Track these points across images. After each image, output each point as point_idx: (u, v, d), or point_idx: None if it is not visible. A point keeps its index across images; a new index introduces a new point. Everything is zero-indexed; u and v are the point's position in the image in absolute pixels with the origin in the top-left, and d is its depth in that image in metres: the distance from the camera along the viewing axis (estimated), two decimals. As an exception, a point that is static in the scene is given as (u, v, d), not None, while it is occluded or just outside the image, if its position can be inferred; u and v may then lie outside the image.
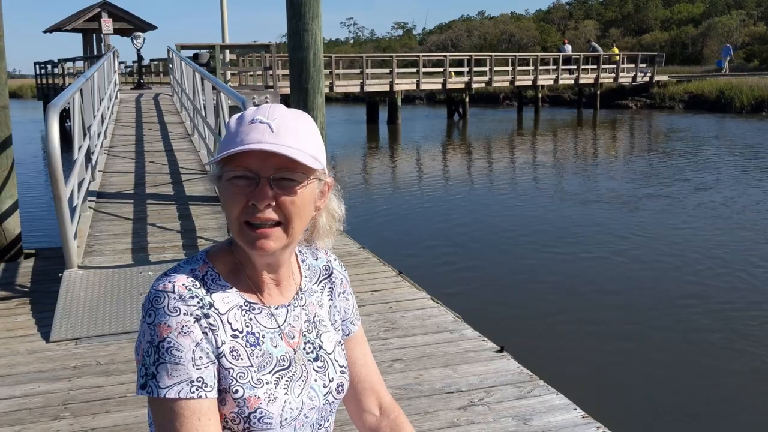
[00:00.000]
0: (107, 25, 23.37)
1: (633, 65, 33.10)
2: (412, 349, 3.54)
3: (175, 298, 1.07)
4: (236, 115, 1.12)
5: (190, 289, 1.08)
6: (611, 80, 32.49)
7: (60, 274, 4.62)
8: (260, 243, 1.08)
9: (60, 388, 3.16)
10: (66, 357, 3.51)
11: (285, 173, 1.07)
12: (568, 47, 33.69)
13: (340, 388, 1.24)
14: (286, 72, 14.70)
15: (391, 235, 9.12)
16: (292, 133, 1.08)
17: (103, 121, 9.69)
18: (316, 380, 1.20)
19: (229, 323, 1.11)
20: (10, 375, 3.31)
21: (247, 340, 1.12)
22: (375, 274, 4.85)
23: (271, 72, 16.41)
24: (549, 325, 5.86)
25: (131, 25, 24.92)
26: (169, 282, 1.09)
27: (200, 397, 1.05)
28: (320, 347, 1.23)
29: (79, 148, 5.99)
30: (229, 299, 1.12)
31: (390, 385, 3.13)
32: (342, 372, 1.25)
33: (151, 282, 3.95)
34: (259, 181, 1.06)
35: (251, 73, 20.66)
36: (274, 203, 1.07)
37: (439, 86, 27.99)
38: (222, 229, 5.74)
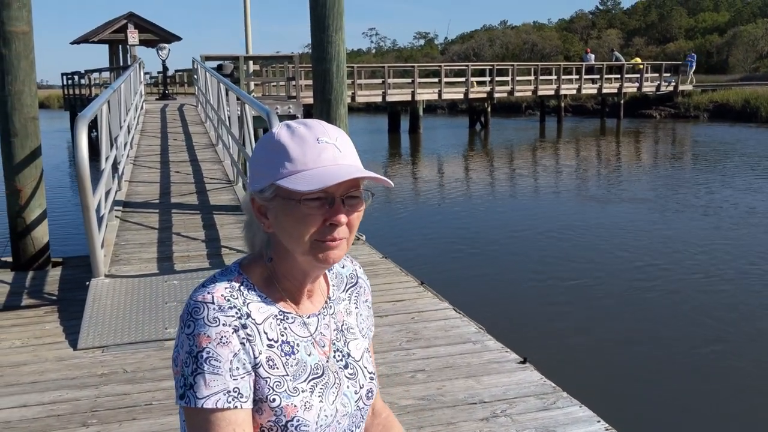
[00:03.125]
0: (133, 36, 23.71)
1: (657, 74, 32.85)
2: (435, 359, 3.55)
3: (214, 309, 1.09)
4: (285, 130, 1.13)
5: (228, 300, 1.11)
6: (635, 89, 32.28)
7: (87, 283, 4.69)
8: (331, 254, 1.11)
9: (87, 395, 3.21)
10: (93, 364, 3.56)
11: (354, 191, 1.12)
12: (591, 56, 33.57)
13: (370, 394, 1.26)
14: (309, 82, 14.79)
15: (413, 244, 9.13)
16: (352, 151, 1.13)
17: (129, 132, 9.83)
18: (348, 387, 1.22)
19: (265, 333, 1.13)
20: (39, 382, 3.37)
21: (282, 350, 1.14)
22: (397, 284, 4.86)
23: (294, 82, 16.54)
24: (572, 337, 5.83)
25: (156, 37, 25.27)
26: (208, 293, 1.11)
27: (236, 407, 1.07)
28: (348, 355, 1.25)
29: (106, 159, 6.08)
30: (264, 309, 1.15)
31: (412, 395, 3.14)
32: (371, 378, 1.27)
33: (176, 291, 4.00)
34: (334, 201, 1.09)
35: (274, 83, 20.84)
36: (347, 220, 1.12)
37: (461, 96, 28.00)
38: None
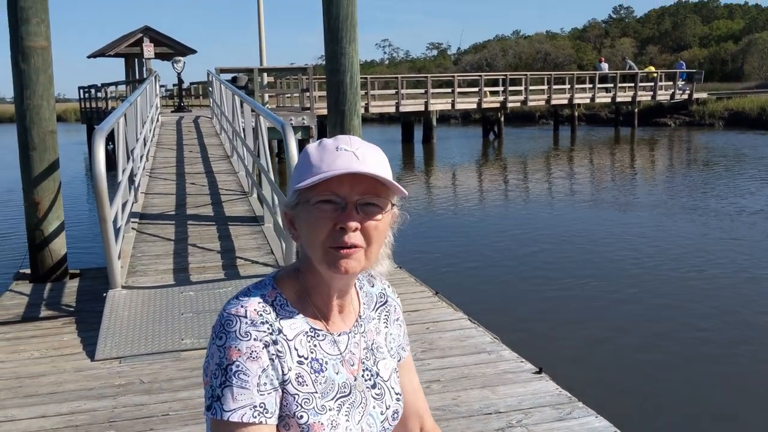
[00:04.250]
0: (149, 50, 23.94)
1: (671, 83, 32.72)
2: (450, 370, 3.55)
3: (246, 323, 1.10)
4: (315, 143, 1.16)
5: (261, 315, 1.12)
6: (649, 98, 32.16)
7: (104, 294, 4.74)
8: (344, 263, 1.11)
9: (105, 405, 3.23)
10: (110, 375, 3.59)
11: (371, 198, 1.12)
12: (605, 65, 33.50)
13: (396, 415, 1.26)
14: (323, 93, 14.87)
15: (427, 254, 9.12)
16: (375, 161, 1.13)
17: (145, 144, 9.92)
18: (374, 407, 1.22)
19: (296, 349, 1.14)
20: (57, 393, 3.40)
21: (311, 367, 1.15)
22: (412, 294, 4.87)
23: (308, 94, 16.63)
24: (588, 346, 5.80)
25: (172, 50, 25.49)
26: (242, 306, 1.12)
27: (261, 423, 1.08)
28: (377, 374, 1.25)
29: (123, 171, 6.14)
30: (296, 325, 1.16)
31: (428, 406, 3.14)
32: (398, 399, 1.27)
33: (192, 302, 4.02)
34: (346, 206, 1.10)
35: (288, 95, 20.95)
36: (359, 227, 1.11)
37: (474, 106, 28.02)
38: (260, 249, 5.82)
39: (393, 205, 1.16)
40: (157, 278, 5.14)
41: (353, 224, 1.10)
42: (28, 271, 5.66)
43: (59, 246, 5.65)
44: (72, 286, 5.35)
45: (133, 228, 6.54)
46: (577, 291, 7.39)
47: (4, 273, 7.54)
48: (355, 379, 1.21)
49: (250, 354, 1.08)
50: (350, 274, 1.13)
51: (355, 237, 1.11)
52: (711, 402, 4.80)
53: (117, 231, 5.16)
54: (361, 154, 1.12)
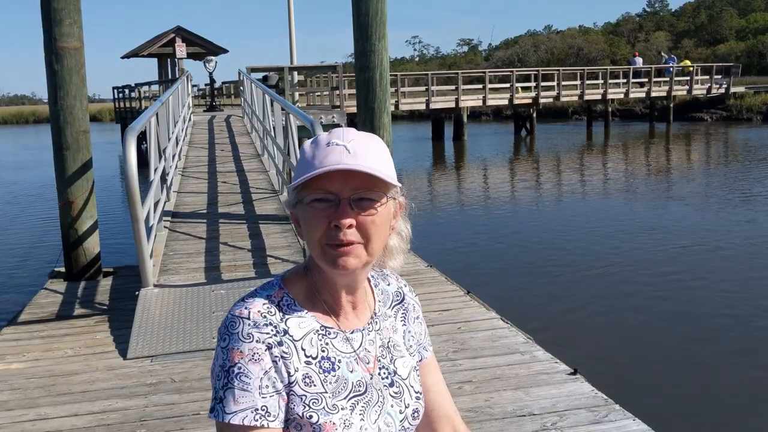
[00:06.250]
0: (181, 49, 24.18)
1: (707, 77, 32.12)
2: (482, 370, 3.49)
3: (249, 325, 1.09)
4: (310, 140, 1.14)
5: (264, 316, 1.10)
6: (684, 92, 31.59)
7: (137, 293, 4.77)
8: (342, 260, 1.09)
9: (136, 404, 3.24)
10: (142, 374, 3.60)
11: (364, 193, 1.09)
12: (639, 60, 33.00)
13: (416, 414, 1.23)
14: (353, 91, 14.87)
15: (459, 253, 9.05)
16: (367, 153, 1.10)
17: (177, 143, 10.00)
18: (392, 406, 1.19)
19: (303, 349, 1.12)
20: (89, 391, 3.42)
21: (320, 366, 1.13)
22: (443, 293, 4.81)
23: (337, 92, 16.65)
24: (624, 347, 5.68)
25: (204, 50, 25.75)
26: (246, 308, 1.11)
27: (263, 426, 1.06)
28: (395, 373, 1.22)
29: (155, 170, 6.18)
30: (304, 324, 1.13)
31: (460, 407, 3.07)
32: (417, 398, 1.24)
33: (223, 300, 4.01)
34: (340, 203, 1.08)
35: (318, 93, 21.00)
36: (354, 223, 1.08)
37: (506, 102, 27.82)
38: (291, 248, 5.81)
39: (390, 197, 1.12)
40: (188, 276, 5.16)
41: (347, 221, 1.07)
42: (62, 269, 5.73)
43: (93, 244, 5.71)
44: (105, 284, 5.41)
45: (165, 226, 6.58)
46: (612, 290, 7.26)
47: (39, 271, 7.66)
48: (372, 377, 1.18)
49: (252, 356, 1.07)
50: (350, 271, 1.11)
51: (350, 234, 1.08)
52: (755, 407, 4.66)
53: (149, 230, 5.18)
54: (353, 147, 1.09)
